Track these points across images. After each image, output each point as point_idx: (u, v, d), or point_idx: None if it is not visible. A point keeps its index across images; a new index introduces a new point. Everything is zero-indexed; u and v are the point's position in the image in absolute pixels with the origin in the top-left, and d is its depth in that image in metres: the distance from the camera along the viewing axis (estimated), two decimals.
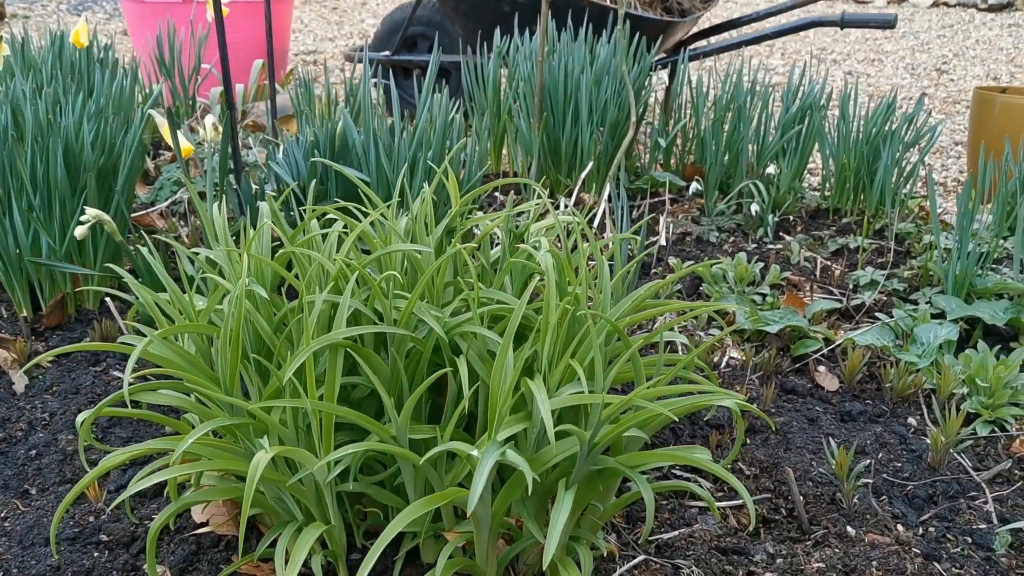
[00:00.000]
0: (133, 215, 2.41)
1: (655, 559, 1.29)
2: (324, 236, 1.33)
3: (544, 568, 0.98)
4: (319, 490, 1.15)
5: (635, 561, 1.28)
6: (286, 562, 1.07)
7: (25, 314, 1.88)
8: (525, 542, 1.19)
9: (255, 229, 1.31)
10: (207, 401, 1.19)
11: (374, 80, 2.82)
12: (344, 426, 1.20)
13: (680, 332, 1.94)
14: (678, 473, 1.48)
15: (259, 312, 1.20)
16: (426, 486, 1.16)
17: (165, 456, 1.18)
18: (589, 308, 1.21)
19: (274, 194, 1.94)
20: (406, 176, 1.99)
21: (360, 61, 4.02)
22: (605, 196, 2.26)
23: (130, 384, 1.08)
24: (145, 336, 1.15)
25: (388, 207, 1.36)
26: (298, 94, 2.97)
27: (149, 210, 2.42)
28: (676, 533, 1.35)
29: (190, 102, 3.49)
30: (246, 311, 1.17)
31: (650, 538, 1.34)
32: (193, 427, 1.20)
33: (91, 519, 1.33)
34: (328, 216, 1.42)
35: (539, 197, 1.36)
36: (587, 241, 1.37)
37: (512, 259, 1.29)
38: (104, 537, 1.29)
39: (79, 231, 1.55)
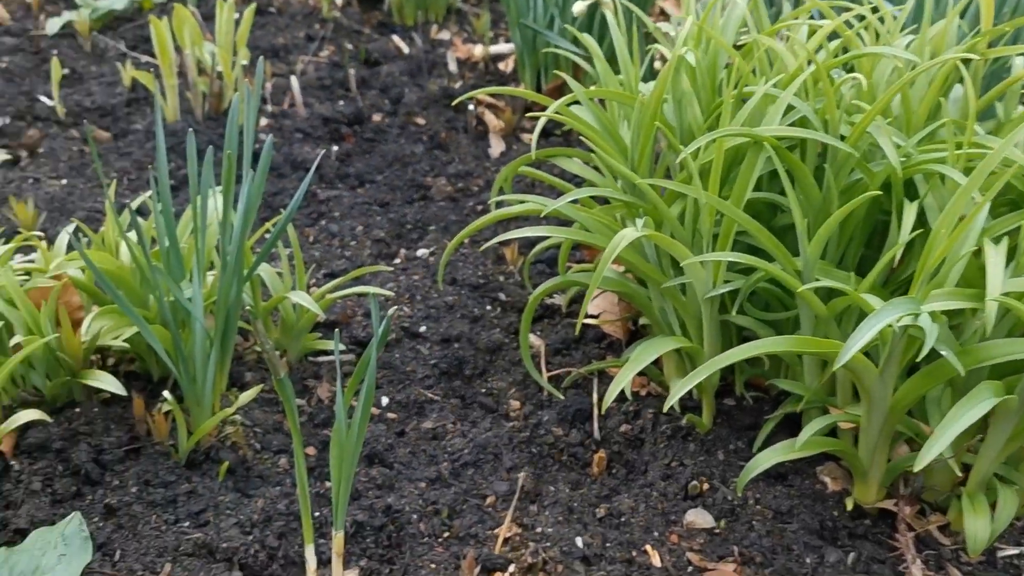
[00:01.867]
0: None
1: None
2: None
3: (916, 471, 0.73)
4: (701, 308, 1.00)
5: None
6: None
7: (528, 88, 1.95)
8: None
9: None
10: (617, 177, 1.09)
11: None
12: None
13: None
14: None
15: (698, 97, 1.05)
16: None
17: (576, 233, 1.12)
18: None
19: None
20: None
21: None
22: None
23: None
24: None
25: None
26: None
27: None
28: None
29: None
30: (682, 92, 1.03)
31: None
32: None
33: (500, 278, 1.34)
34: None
35: None
36: None
37: None
38: (503, 296, 1.30)
39: (577, 7, 1.52)
